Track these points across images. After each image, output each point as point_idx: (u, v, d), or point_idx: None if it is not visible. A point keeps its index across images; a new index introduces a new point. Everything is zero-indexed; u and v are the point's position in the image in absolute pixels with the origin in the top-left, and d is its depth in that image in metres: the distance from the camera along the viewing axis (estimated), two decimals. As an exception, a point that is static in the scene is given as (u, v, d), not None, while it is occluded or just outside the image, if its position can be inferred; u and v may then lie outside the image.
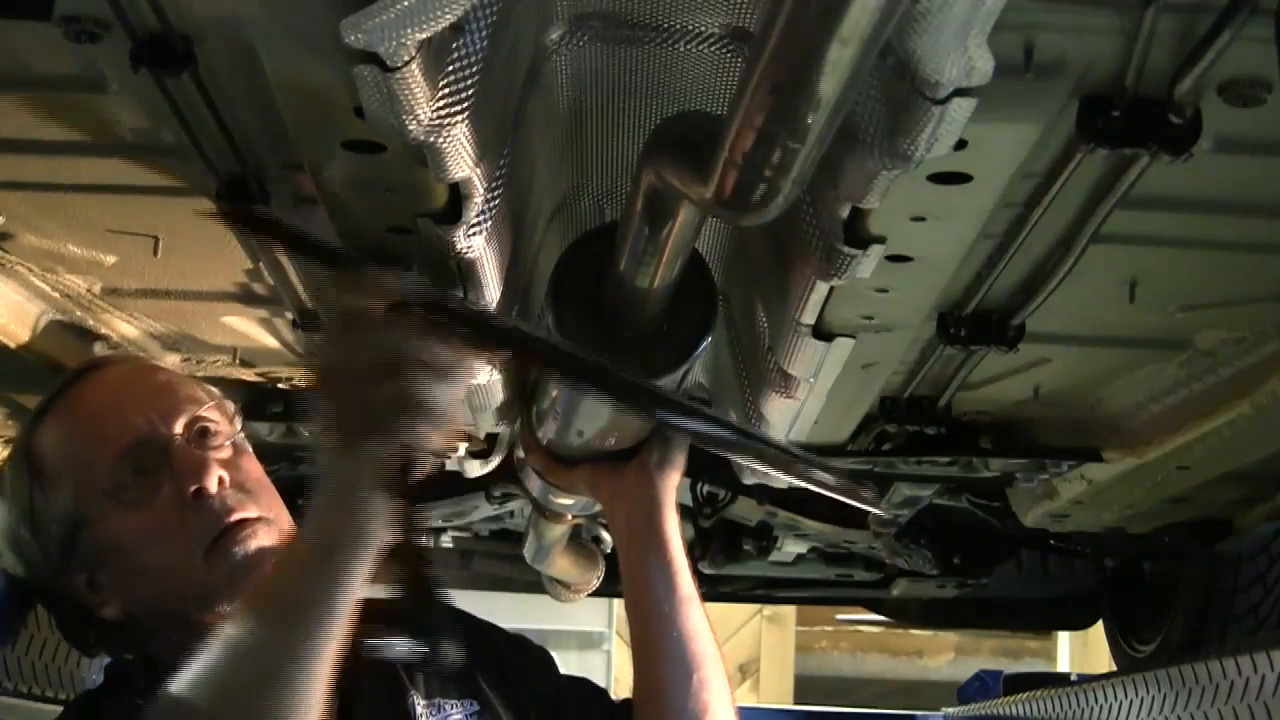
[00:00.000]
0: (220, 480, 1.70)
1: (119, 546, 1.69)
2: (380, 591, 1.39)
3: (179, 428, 1.73)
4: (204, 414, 1.75)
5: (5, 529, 1.75)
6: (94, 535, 1.69)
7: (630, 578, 1.95)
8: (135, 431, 1.70)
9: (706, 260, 1.87)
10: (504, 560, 4.61)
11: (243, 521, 1.69)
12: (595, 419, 1.99)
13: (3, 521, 1.75)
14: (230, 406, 1.82)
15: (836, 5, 0.95)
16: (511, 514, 4.08)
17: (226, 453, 1.75)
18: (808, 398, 2.22)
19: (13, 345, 2.27)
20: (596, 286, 1.73)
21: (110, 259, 2.15)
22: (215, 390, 1.83)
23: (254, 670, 1.35)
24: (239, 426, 1.80)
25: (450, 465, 2.90)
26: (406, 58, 1.25)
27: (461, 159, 1.46)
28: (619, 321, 1.74)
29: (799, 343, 2.00)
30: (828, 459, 2.69)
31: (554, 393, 2.05)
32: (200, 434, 1.74)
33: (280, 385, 2.70)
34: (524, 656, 1.98)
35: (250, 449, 1.81)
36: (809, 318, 1.92)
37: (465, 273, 1.74)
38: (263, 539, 1.70)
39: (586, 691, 2.03)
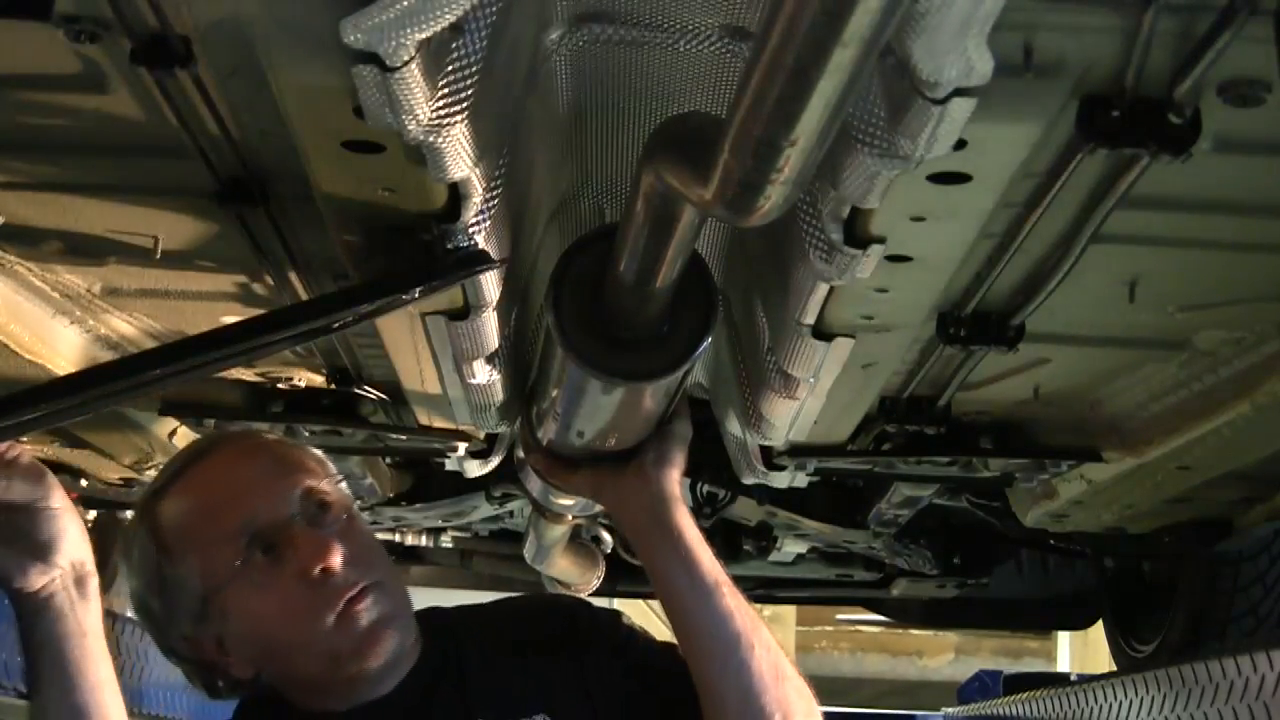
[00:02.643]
0: (343, 557, 1.77)
1: (248, 621, 1.77)
2: None
3: (296, 505, 1.79)
4: (318, 486, 1.81)
5: (134, 594, 1.83)
6: (223, 607, 1.77)
7: (652, 577, 1.95)
8: (258, 515, 1.77)
9: (706, 260, 1.87)
10: (504, 560, 4.62)
11: (364, 590, 1.77)
12: (595, 419, 1.99)
13: (132, 587, 1.83)
14: (331, 466, 1.89)
15: (837, 7, 0.95)
16: (511, 514, 4.09)
17: (341, 523, 1.81)
18: (808, 398, 2.22)
19: (13, 346, 2.27)
20: (597, 288, 1.73)
21: (110, 259, 2.15)
22: (317, 452, 1.90)
23: None
24: (345, 489, 1.87)
25: (450, 465, 2.91)
26: (406, 58, 1.25)
27: (460, 159, 1.46)
28: (619, 322, 1.74)
29: (799, 343, 1.99)
30: (830, 458, 2.73)
31: (554, 393, 2.05)
32: (318, 508, 1.80)
33: (280, 385, 2.70)
34: (606, 641, 1.96)
35: (357, 509, 1.89)
36: (809, 318, 1.92)
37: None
38: (383, 605, 1.79)
39: (666, 664, 1.99)
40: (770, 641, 1.89)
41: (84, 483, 3.32)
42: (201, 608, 1.77)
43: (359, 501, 3.56)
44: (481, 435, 2.70)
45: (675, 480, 2.01)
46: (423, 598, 2.02)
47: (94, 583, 1.67)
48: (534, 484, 2.56)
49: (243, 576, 1.75)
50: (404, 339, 2.09)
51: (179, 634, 1.80)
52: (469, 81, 1.35)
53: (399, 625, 1.81)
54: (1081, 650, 9.04)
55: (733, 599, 1.90)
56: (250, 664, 1.80)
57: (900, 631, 10.05)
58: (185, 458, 1.87)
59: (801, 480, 2.84)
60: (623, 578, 4.24)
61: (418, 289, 1.70)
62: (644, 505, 1.97)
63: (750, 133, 1.12)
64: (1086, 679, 4.23)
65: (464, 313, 1.91)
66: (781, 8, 0.99)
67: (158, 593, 1.80)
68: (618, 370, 1.78)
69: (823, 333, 1.98)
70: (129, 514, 2.00)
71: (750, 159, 1.14)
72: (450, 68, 1.33)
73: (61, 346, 2.35)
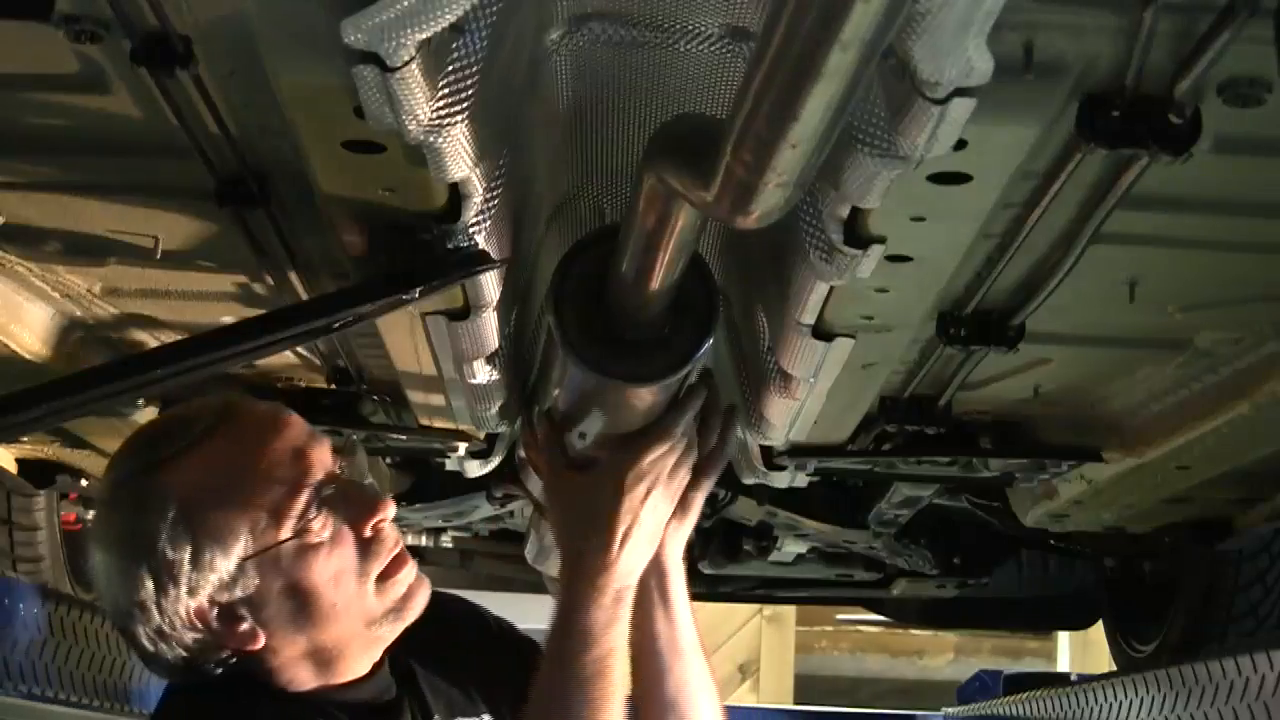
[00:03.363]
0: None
1: (292, 581, 1.74)
2: None
3: (334, 465, 1.79)
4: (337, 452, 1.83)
5: (131, 564, 1.73)
6: (264, 569, 1.73)
7: (633, 623, 1.98)
8: (313, 472, 1.75)
9: (707, 261, 1.87)
10: (504, 560, 4.62)
11: (402, 553, 1.81)
12: (597, 422, 1.99)
13: (129, 557, 1.74)
14: None
15: (837, 9, 0.95)
16: (512, 514, 4.08)
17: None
18: (808, 398, 2.22)
19: (13, 346, 2.27)
20: (598, 289, 1.73)
21: (110, 259, 2.15)
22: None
23: None
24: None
25: (450, 465, 2.90)
26: (406, 58, 1.25)
27: (461, 159, 1.46)
28: (620, 324, 1.74)
29: (799, 343, 2.00)
30: (830, 458, 2.73)
31: (554, 394, 2.05)
32: (345, 470, 1.81)
33: (279, 385, 2.70)
34: (507, 641, 2.08)
35: None
36: (809, 318, 1.92)
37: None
38: (414, 567, 1.83)
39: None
40: (715, 697, 2.02)
41: (84, 483, 3.32)
42: (236, 571, 1.72)
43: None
44: (481, 435, 2.70)
45: (684, 539, 2.03)
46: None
47: None
48: (534, 484, 2.56)
49: (299, 535, 1.72)
50: (404, 339, 2.09)
51: (185, 605, 1.72)
52: (469, 82, 1.35)
53: (424, 589, 1.83)
54: (1081, 650, 9.03)
55: (700, 668, 2.00)
56: (264, 632, 1.75)
57: (900, 631, 10.03)
58: (205, 424, 1.78)
59: (801, 480, 2.84)
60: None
61: (418, 289, 1.70)
62: (652, 562, 1.97)
63: (751, 134, 1.12)
64: (1086, 679, 4.22)
65: (464, 313, 1.91)
66: (783, 10, 0.99)
67: (175, 559, 1.71)
68: (618, 372, 1.78)
69: (823, 333, 1.98)
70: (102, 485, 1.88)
71: (751, 160, 1.14)
72: (451, 68, 1.33)
73: (62, 346, 2.35)
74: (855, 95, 1.06)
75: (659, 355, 1.78)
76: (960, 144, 1.40)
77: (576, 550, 1.87)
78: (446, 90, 1.34)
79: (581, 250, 1.81)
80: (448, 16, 1.21)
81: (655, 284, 1.62)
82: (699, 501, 1.98)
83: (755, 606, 9.55)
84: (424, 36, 1.23)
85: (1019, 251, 1.87)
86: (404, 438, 2.82)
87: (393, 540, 1.79)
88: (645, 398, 1.87)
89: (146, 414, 2.73)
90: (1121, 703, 3.37)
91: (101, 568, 1.79)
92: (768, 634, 10.01)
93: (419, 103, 1.32)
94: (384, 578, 1.77)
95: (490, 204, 1.64)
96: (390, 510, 1.78)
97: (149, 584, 1.72)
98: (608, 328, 1.76)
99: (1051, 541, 3.65)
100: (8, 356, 2.30)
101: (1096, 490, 2.84)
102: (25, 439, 2.90)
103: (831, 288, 1.80)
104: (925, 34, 1.16)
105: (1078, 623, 5.35)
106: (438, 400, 2.40)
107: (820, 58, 1.00)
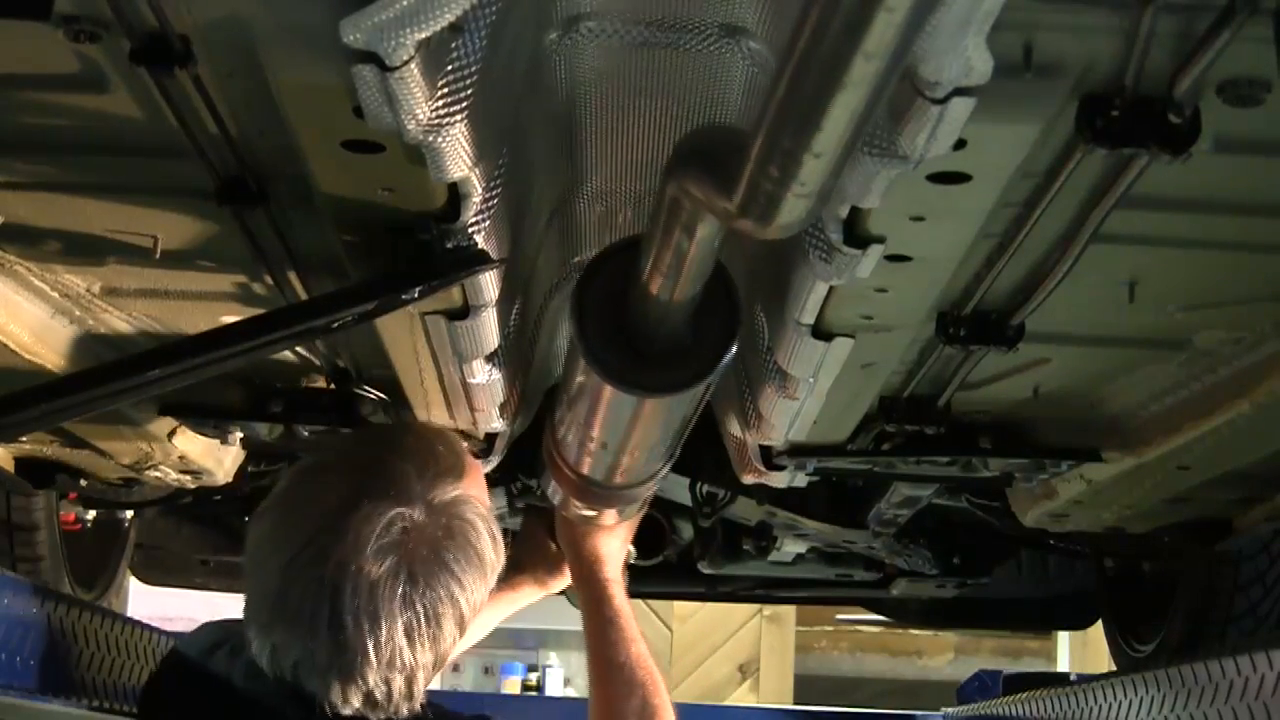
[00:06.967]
0: None
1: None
2: None
3: None
4: None
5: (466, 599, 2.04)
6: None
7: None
8: None
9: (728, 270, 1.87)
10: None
11: None
12: (617, 430, 1.99)
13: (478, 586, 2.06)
14: None
15: (861, 20, 0.95)
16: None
17: None
18: (807, 397, 2.22)
19: (13, 346, 2.27)
20: (621, 299, 1.74)
21: (110, 259, 2.15)
22: None
23: None
24: None
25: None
26: (406, 57, 1.25)
27: (460, 159, 1.46)
28: (643, 335, 1.75)
29: (798, 342, 2.00)
30: (830, 458, 2.73)
31: (572, 386, 2.05)
32: None
33: (279, 385, 2.70)
34: None
35: None
36: (809, 318, 1.92)
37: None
38: None
39: None
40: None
41: (84, 483, 3.32)
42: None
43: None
44: (481, 435, 2.70)
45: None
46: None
47: None
48: (555, 493, 2.56)
49: None
50: (404, 339, 2.09)
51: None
52: (468, 81, 1.35)
53: None
54: (1081, 650, 9.03)
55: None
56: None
57: (900, 631, 10.04)
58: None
59: (801, 480, 2.84)
60: (633, 580, 4.23)
61: (417, 289, 1.70)
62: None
63: (774, 146, 1.12)
64: (1086, 679, 4.22)
65: (463, 312, 1.91)
66: (806, 20, 0.99)
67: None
68: (641, 383, 1.78)
69: (822, 332, 1.98)
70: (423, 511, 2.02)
71: (774, 172, 1.14)
72: (450, 68, 1.33)
73: (61, 346, 2.35)
74: (879, 104, 1.06)
75: (681, 366, 1.79)
76: (960, 144, 1.40)
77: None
78: (445, 90, 1.34)
79: (603, 261, 1.81)
80: (447, 16, 1.21)
81: (677, 295, 1.62)
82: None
83: (755, 606, 9.56)
84: (423, 36, 1.23)
85: (1019, 251, 1.87)
86: (404, 438, 2.81)
87: None
88: (667, 409, 1.87)
89: (148, 415, 2.73)
90: (1121, 703, 3.36)
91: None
92: (768, 634, 10.01)
93: (418, 102, 1.32)
94: None
95: (490, 204, 1.64)
96: None
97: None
98: (630, 339, 1.76)
99: (1051, 541, 3.64)
100: (7, 356, 2.30)
101: (1096, 490, 2.83)
102: (25, 439, 2.90)
103: (831, 287, 1.80)
104: (925, 34, 1.16)
105: (1078, 623, 5.34)
106: (437, 400, 2.40)
107: (844, 67, 0.99)
